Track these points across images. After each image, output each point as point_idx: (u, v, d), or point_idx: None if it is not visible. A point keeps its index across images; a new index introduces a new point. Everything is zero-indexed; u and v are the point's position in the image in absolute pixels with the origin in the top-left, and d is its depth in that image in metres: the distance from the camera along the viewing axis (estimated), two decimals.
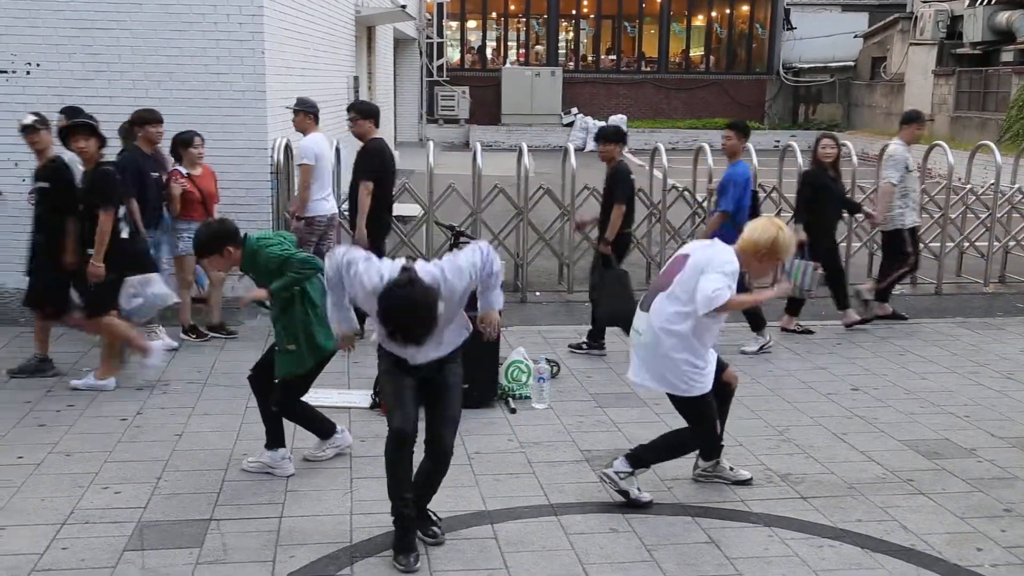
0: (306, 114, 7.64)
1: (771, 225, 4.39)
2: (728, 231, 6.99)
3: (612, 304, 6.77)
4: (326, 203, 7.68)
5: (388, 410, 4.07)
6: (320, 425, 5.01)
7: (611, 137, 7.12)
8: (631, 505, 4.53)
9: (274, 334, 4.78)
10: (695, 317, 4.30)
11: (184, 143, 7.20)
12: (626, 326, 6.79)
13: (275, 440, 4.87)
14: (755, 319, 7.34)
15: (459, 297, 3.93)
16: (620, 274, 6.94)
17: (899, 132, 8.46)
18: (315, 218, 7.59)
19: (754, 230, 4.39)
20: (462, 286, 3.92)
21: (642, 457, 4.58)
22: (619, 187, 6.98)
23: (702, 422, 4.53)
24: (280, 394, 4.77)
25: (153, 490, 4.65)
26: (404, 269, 3.74)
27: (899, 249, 8.24)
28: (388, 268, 3.86)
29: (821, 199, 7.73)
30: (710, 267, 4.28)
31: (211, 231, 4.61)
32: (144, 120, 6.92)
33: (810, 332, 7.84)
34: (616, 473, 4.56)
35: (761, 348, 7.25)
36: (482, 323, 4.28)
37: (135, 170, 6.71)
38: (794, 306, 7.86)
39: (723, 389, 4.72)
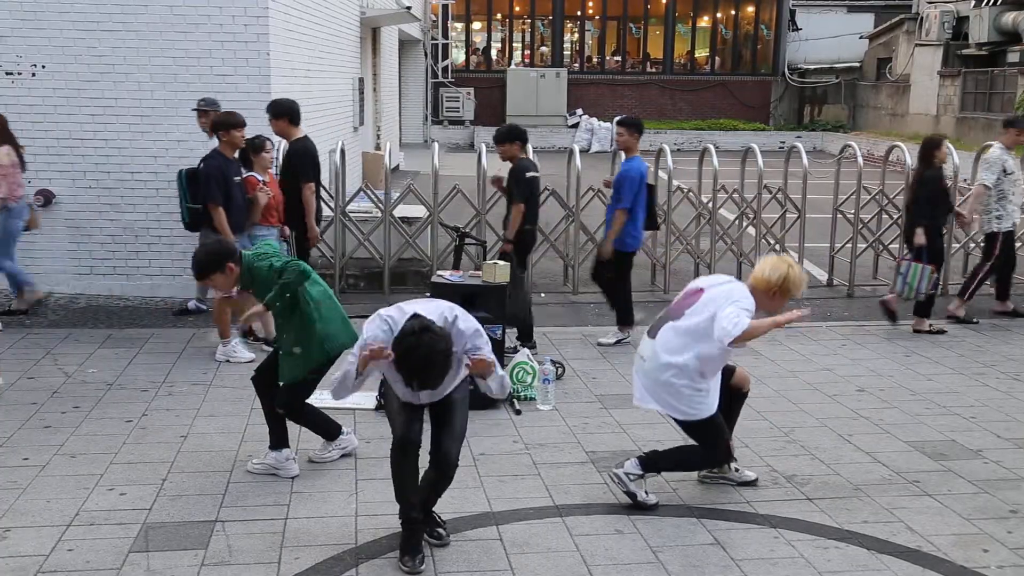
0: (216, 113, 7.44)
1: (781, 263, 4.37)
2: (626, 228, 7.16)
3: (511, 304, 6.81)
4: None
5: (391, 418, 4.07)
6: (326, 427, 5.02)
7: (506, 137, 7.12)
8: (637, 507, 4.52)
9: (278, 338, 4.79)
10: (703, 350, 4.31)
11: (256, 149, 7.01)
12: (516, 326, 6.96)
13: (280, 441, 4.88)
14: (624, 314, 7.47)
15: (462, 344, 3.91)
16: (514, 275, 6.87)
17: (999, 135, 8.53)
18: None
19: (764, 268, 4.37)
20: (467, 336, 3.92)
21: (655, 462, 4.59)
22: (516, 186, 7.01)
23: (712, 441, 4.53)
24: (286, 396, 4.78)
25: (158, 492, 4.65)
26: (415, 316, 3.76)
27: (993, 252, 8.27)
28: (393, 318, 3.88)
29: (936, 200, 7.75)
30: (727, 302, 4.26)
31: (211, 251, 4.64)
32: (228, 124, 6.80)
33: (943, 332, 7.84)
34: (627, 474, 4.56)
35: (619, 341, 7.40)
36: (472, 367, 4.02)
37: (221, 175, 6.69)
38: (923, 308, 7.84)
39: (734, 392, 4.72)
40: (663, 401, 4.46)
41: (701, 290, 4.44)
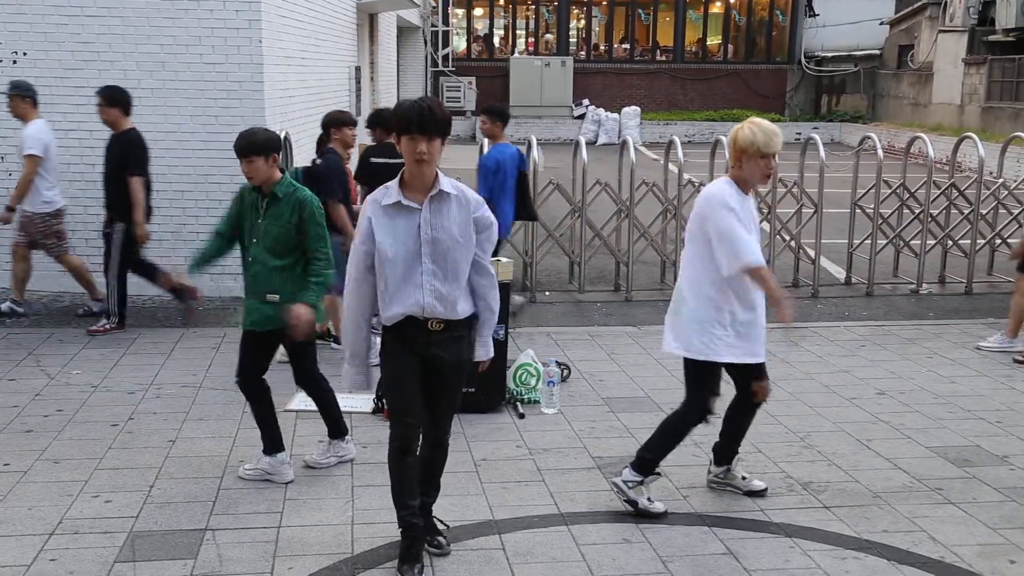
0: (23, 98, 7.48)
1: (734, 129, 4.46)
2: (502, 222, 7.29)
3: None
4: (57, 195, 7.68)
5: (390, 414, 4.06)
6: (338, 420, 5.05)
7: (379, 123, 7.28)
8: (641, 515, 4.52)
9: (257, 285, 4.70)
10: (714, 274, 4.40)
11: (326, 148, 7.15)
12: None
13: (274, 445, 4.88)
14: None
15: (465, 236, 3.84)
16: None
17: None
18: (50, 212, 7.61)
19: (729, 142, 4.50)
20: (470, 221, 3.86)
21: (645, 459, 4.57)
22: (357, 170, 7.25)
23: (697, 391, 4.54)
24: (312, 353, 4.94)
25: (145, 499, 4.65)
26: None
27: None
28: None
29: None
30: (709, 209, 4.35)
31: (269, 134, 4.70)
32: (340, 122, 6.89)
33: None
34: (624, 482, 4.56)
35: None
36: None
37: (342, 171, 6.79)
38: None
39: (748, 398, 4.71)
40: (680, 336, 4.51)
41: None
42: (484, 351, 4.08)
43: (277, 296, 4.67)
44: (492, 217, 3.95)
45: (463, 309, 3.91)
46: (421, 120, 3.69)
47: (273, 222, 4.63)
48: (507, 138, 7.80)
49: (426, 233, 3.78)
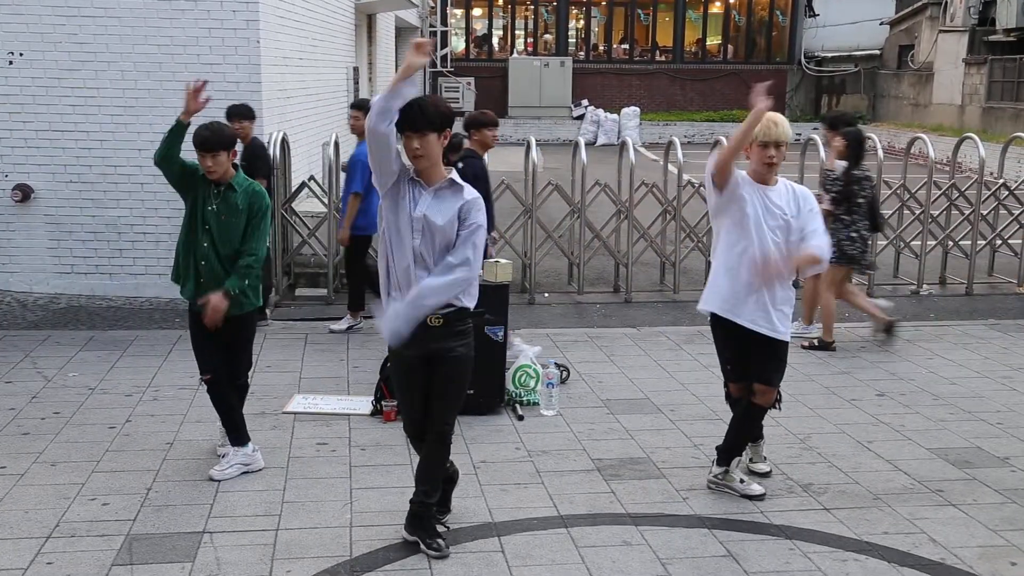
0: None
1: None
2: (360, 211, 7.37)
3: None
4: None
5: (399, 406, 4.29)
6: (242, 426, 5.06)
7: (243, 114, 7.37)
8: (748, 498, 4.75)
9: (208, 272, 4.77)
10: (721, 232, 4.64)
11: (455, 147, 7.16)
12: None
13: (242, 435, 4.98)
14: (356, 299, 7.68)
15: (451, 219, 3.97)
16: None
17: None
18: None
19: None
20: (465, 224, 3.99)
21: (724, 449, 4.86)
22: (259, 162, 7.34)
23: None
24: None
25: (143, 501, 4.65)
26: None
27: None
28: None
29: None
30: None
31: (227, 129, 4.86)
32: (480, 123, 6.92)
33: None
34: (713, 476, 4.88)
35: (350, 328, 7.60)
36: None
37: (484, 174, 6.81)
38: None
39: (752, 403, 4.76)
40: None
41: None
42: (401, 306, 3.93)
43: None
44: (479, 217, 4.02)
45: (463, 303, 4.05)
46: (411, 118, 3.86)
47: (227, 210, 4.75)
48: None
49: (419, 212, 3.95)
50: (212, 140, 4.70)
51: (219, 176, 4.74)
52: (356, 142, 7.57)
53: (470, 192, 4.03)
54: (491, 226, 6.99)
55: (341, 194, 7.75)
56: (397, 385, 4.29)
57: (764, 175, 4.57)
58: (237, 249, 4.78)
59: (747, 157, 4.58)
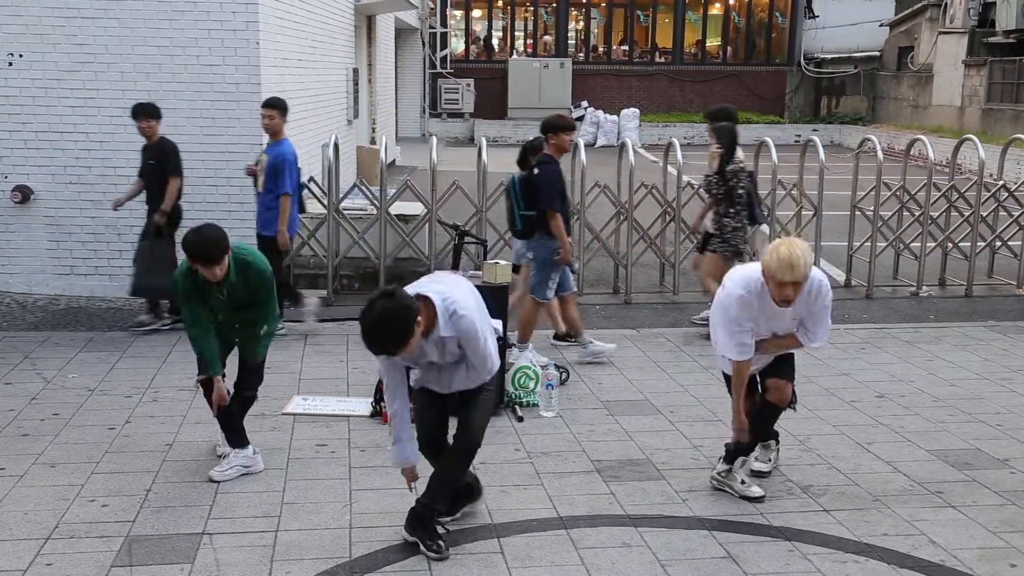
0: None
1: (774, 247, 4.37)
2: (277, 214, 7.31)
3: (150, 276, 7.26)
4: None
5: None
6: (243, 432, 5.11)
7: (149, 113, 7.41)
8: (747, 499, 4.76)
9: (235, 328, 4.93)
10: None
11: (535, 149, 7.12)
12: (153, 296, 7.53)
13: (242, 439, 5.00)
14: (294, 296, 7.73)
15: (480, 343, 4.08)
16: (164, 247, 7.29)
17: None
18: None
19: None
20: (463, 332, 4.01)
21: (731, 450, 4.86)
22: (172, 160, 7.37)
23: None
24: (260, 374, 5.11)
25: (142, 503, 4.66)
26: (389, 283, 4.12)
27: None
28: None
29: None
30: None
31: (219, 233, 4.58)
32: (559, 127, 6.88)
33: None
34: (717, 474, 4.90)
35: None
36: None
37: (559, 182, 6.81)
38: None
39: (765, 399, 4.78)
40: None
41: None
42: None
43: (266, 327, 5.04)
44: (473, 338, 4.02)
45: (468, 383, 4.21)
46: (388, 350, 3.84)
47: (232, 295, 4.75)
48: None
49: (433, 354, 4.06)
50: (212, 254, 4.52)
51: (220, 278, 4.63)
52: (268, 141, 7.42)
53: (449, 327, 3.96)
54: (569, 229, 6.93)
55: (261, 191, 7.42)
56: (419, 408, 4.34)
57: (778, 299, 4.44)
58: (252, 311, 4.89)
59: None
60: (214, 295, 4.71)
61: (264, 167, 7.35)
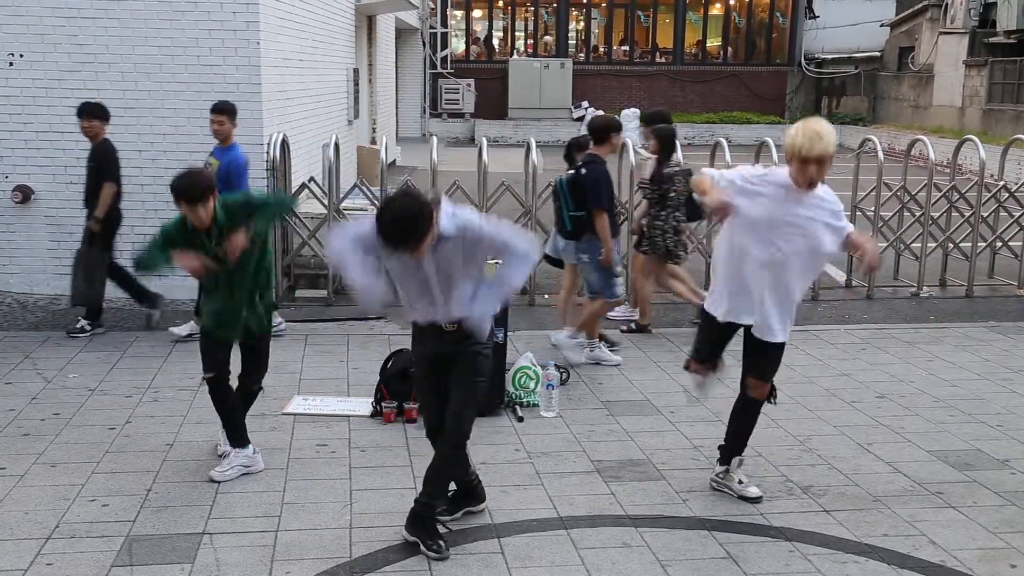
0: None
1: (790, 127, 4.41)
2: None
3: (83, 283, 7.20)
4: None
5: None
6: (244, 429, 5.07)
7: (94, 113, 7.30)
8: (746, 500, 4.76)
9: (245, 291, 4.81)
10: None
11: (581, 147, 7.22)
12: (85, 305, 7.39)
13: (243, 438, 4.99)
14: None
15: (481, 252, 4.08)
16: (99, 255, 7.24)
17: None
18: None
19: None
20: (488, 239, 4.04)
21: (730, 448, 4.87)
22: (109, 165, 7.23)
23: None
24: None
25: (142, 503, 4.66)
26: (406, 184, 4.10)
27: None
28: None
29: None
30: None
31: (205, 176, 4.71)
32: (613, 128, 6.95)
33: None
34: (716, 475, 4.89)
35: (192, 335, 7.25)
36: None
37: (608, 182, 6.84)
38: None
39: (745, 395, 4.77)
40: None
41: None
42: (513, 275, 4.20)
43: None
44: (474, 222, 4.03)
45: (474, 310, 4.14)
46: (406, 244, 3.85)
47: (223, 237, 4.68)
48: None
49: (431, 275, 4.04)
50: (194, 192, 4.53)
51: (208, 222, 4.62)
52: (216, 146, 7.30)
53: (451, 227, 3.96)
54: (615, 231, 6.96)
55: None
56: (418, 385, 4.44)
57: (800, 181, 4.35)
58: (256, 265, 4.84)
59: (788, 163, 4.38)
60: (206, 247, 4.66)
61: (215, 173, 7.09)
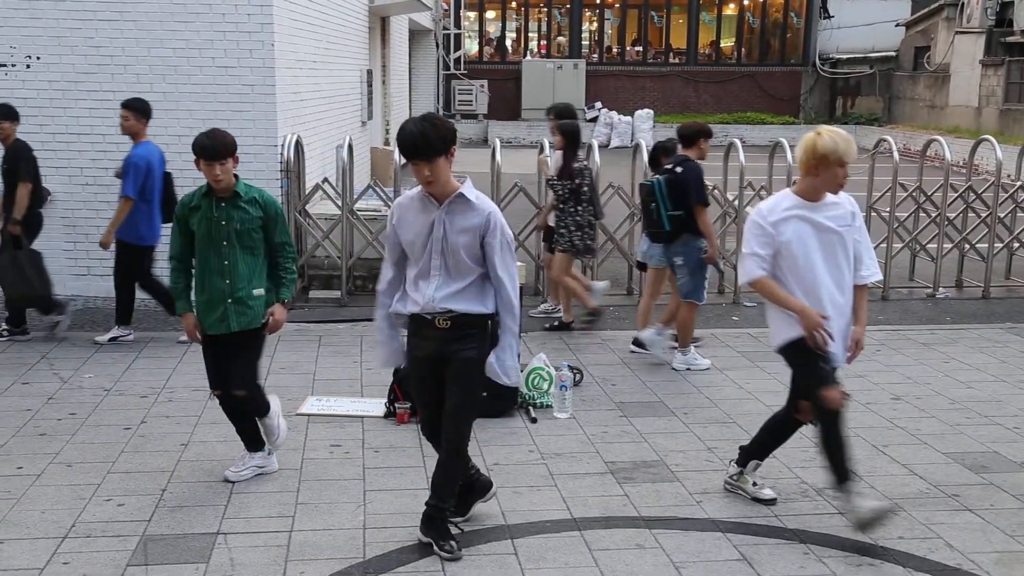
0: None
1: (808, 137, 4.36)
2: (141, 219, 7.17)
3: (17, 286, 7.10)
4: None
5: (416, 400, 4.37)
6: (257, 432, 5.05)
7: (5, 115, 7.25)
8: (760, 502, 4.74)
9: (239, 286, 4.72)
10: None
11: (667, 151, 7.26)
12: (37, 306, 7.32)
13: (258, 440, 5.00)
14: (125, 311, 7.43)
15: (472, 234, 4.01)
16: (30, 255, 7.16)
17: None
18: None
19: (798, 150, 4.41)
20: (495, 244, 4.02)
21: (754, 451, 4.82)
22: (21, 165, 7.15)
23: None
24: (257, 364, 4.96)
25: (158, 502, 4.68)
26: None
27: None
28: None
29: None
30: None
31: (229, 136, 4.70)
32: (707, 133, 7.02)
33: None
34: (730, 476, 4.86)
35: (115, 339, 7.31)
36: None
37: (700, 183, 6.89)
38: None
39: (790, 412, 4.74)
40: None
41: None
42: (496, 361, 4.13)
43: (262, 290, 4.81)
44: (500, 233, 4.03)
45: (470, 307, 4.07)
46: (416, 148, 3.89)
47: (241, 221, 4.69)
48: (149, 136, 7.36)
49: (438, 230, 4.01)
50: (217, 149, 4.57)
51: (226, 185, 4.66)
52: (133, 143, 7.23)
53: (482, 207, 4.02)
54: (695, 230, 6.94)
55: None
56: (414, 385, 4.39)
57: (829, 191, 4.39)
58: (262, 256, 4.80)
59: (809, 174, 4.35)
60: (213, 223, 4.65)
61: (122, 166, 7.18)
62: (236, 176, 4.73)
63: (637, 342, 7.29)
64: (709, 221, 6.86)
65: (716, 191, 9.75)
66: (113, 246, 7.29)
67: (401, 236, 4.11)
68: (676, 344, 7.10)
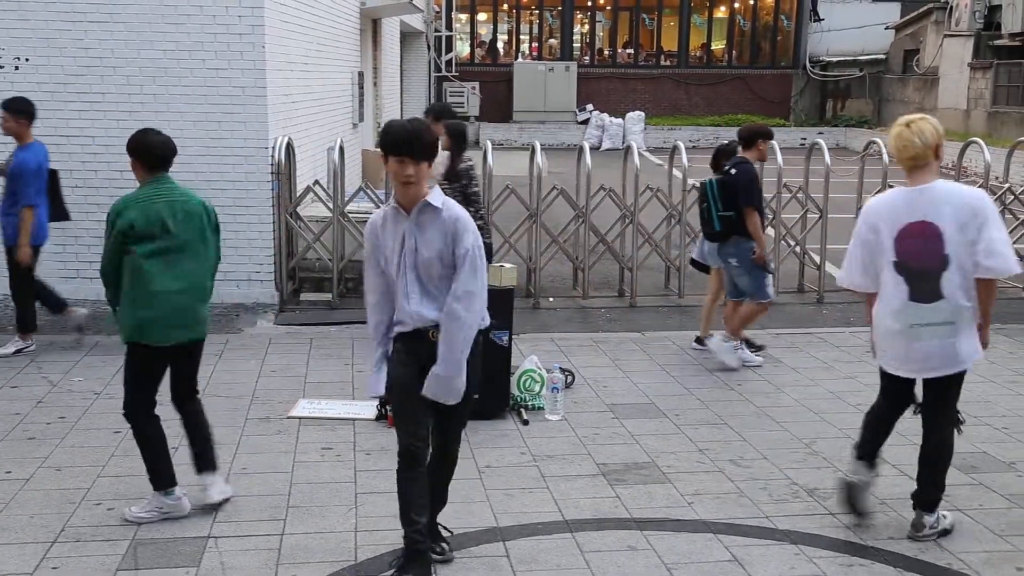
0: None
1: (894, 130, 4.55)
2: (40, 224, 6.99)
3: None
4: None
5: (396, 425, 4.00)
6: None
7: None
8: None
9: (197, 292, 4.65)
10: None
11: (728, 154, 7.28)
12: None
13: (210, 464, 4.75)
14: (26, 320, 7.20)
15: (446, 241, 3.86)
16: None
17: None
18: None
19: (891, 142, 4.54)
20: (461, 253, 3.83)
21: (930, 493, 4.57)
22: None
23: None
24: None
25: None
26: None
27: None
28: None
29: None
30: (987, 226, 4.29)
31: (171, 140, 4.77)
32: (764, 134, 7.10)
33: None
34: (930, 529, 4.50)
35: (19, 351, 7.07)
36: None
37: (756, 183, 6.96)
38: None
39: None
40: (950, 358, 4.41)
41: (928, 223, 4.39)
42: (441, 368, 3.83)
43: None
44: (469, 239, 3.84)
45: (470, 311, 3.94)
46: (409, 143, 3.79)
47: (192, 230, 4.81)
48: (34, 137, 7.08)
49: (409, 242, 3.87)
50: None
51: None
52: (17, 146, 6.99)
53: (451, 212, 3.85)
54: (764, 229, 7.02)
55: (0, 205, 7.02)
56: (397, 399, 3.96)
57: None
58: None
59: (937, 160, 4.56)
60: (169, 225, 4.72)
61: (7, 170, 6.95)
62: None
63: (700, 341, 7.45)
64: (757, 223, 6.89)
65: (660, 193, 9.77)
66: (3, 253, 7.06)
67: (383, 255, 3.93)
68: (736, 342, 7.14)
